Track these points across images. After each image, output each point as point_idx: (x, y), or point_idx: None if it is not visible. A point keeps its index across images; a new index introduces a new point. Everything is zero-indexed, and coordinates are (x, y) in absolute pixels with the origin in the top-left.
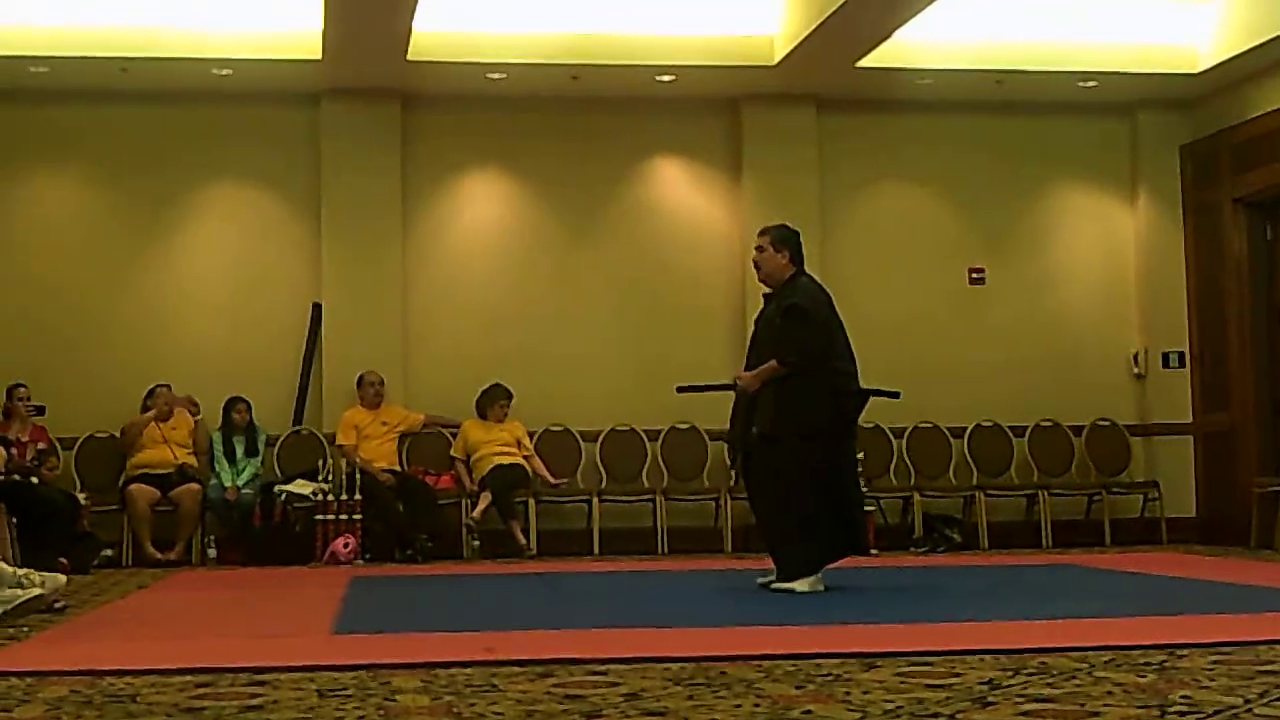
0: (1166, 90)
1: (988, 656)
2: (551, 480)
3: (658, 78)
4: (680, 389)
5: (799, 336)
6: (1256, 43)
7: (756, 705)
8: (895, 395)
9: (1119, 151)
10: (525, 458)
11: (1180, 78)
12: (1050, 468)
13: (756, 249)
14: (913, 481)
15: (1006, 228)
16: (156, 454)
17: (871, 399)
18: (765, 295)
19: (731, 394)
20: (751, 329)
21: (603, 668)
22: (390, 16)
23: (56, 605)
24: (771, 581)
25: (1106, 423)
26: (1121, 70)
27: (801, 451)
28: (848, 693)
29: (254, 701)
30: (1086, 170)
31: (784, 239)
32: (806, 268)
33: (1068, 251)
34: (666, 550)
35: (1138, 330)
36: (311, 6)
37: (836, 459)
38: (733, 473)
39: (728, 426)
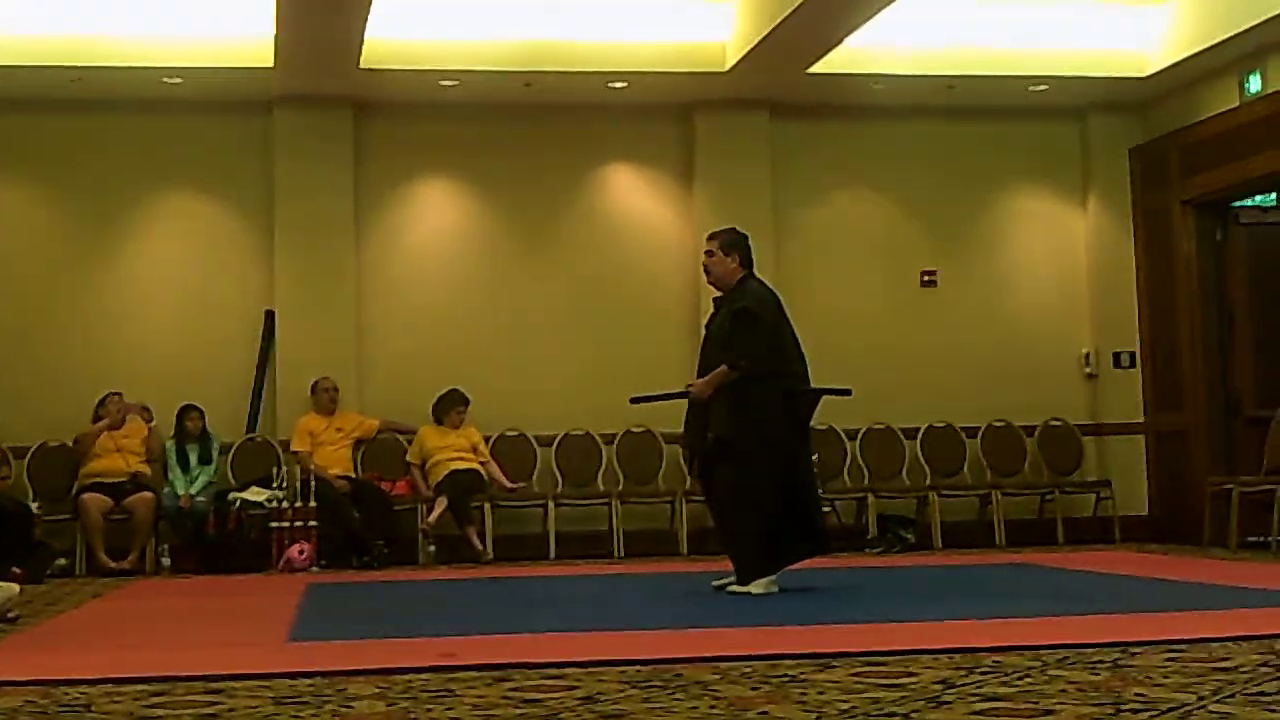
0: (1116, 94)
1: (942, 656)
2: (508, 485)
3: (611, 84)
4: (634, 400)
5: (749, 340)
6: (1205, 46)
7: (713, 707)
8: (846, 393)
9: (1069, 155)
10: (481, 463)
11: (1130, 81)
12: (1003, 467)
13: (706, 253)
14: (867, 482)
15: (958, 231)
16: (109, 463)
17: (824, 398)
18: (715, 299)
19: (685, 400)
20: (703, 333)
21: (559, 671)
22: (342, 24)
23: (10, 615)
24: (728, 584)
25: (1059, 423)
26: (1071, 74)
27: (757, 454)
28: (803, 693)
29: (209, 710)
30: (1037, 173)
31: (733, 243)
32: (760, 272)
33: (1019, 254)
34: (623, 553)
35: (1089, 331)
36: (263, 14)
37: (792, 460)
38: (688, 477)
39: (682, 432)
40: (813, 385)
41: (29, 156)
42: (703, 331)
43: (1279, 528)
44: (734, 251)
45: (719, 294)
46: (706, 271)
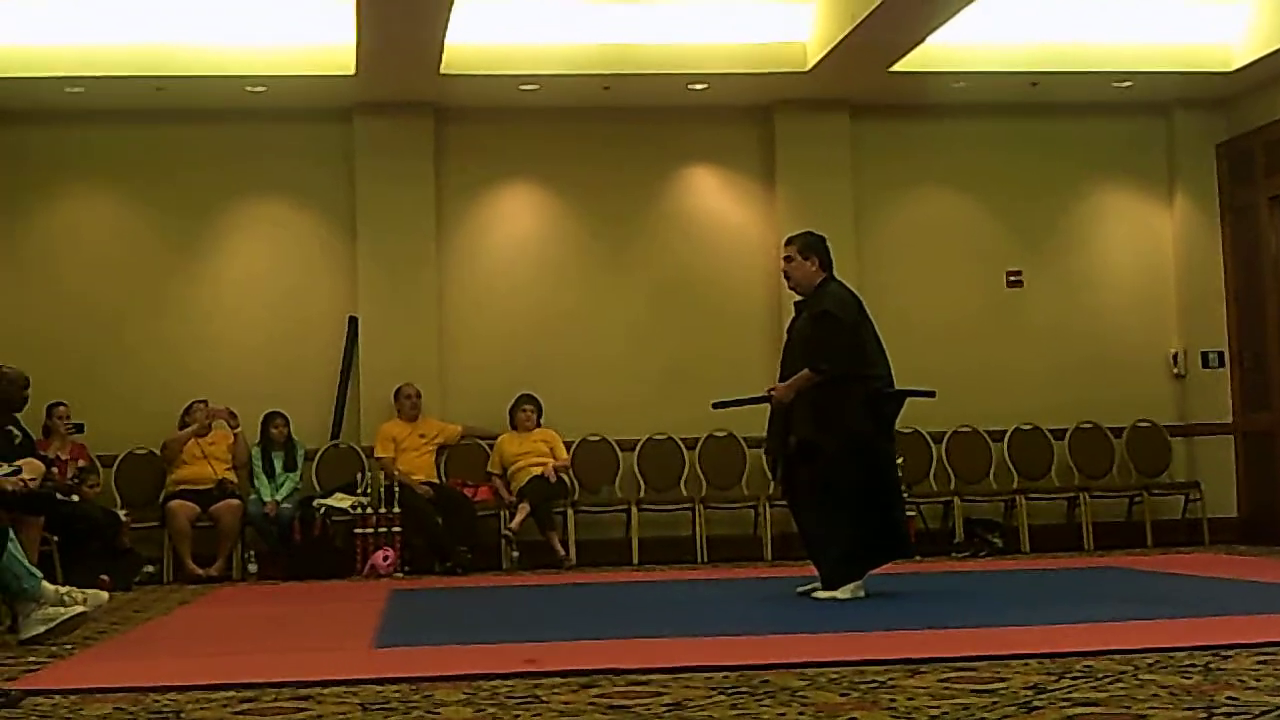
0: (1201, 89)
1: (1032, 661)
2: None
3: (690, 86)
4: (716, 405)
5: (830, 343)
6: None
7: (801, 713)
8: (930, 395)
9: (1154, 151)
10: (556, 469)
11: (1215, 76)
12: (1090, 470)
13: (785, 258)
14: (952, 486)
15: (1043, 229)
16: (196, 470)
17: (908, 400)
18: (796, 303)
19: (768, 405)
20: (785, 337)
21: (645, 677)
22: (422, 30)
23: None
24: (813, 589)
25: (1147, 424)
26: (1156, 70)
27: (840, 458)
28: (893, 700)
29: (298, 716)
30: (1122, 170)
31: (811, 246)
32: (841, 274)
33: (1105, 252)
34: (706, 559)
35: (1176, 330)
36: (344, 22)
37: (876, 464)
38: (772, 481)
39: (765, 436)
40: (897, 387)
41: (115, 167)
42: (784, 335)
43: None
44: (812, 254)
45: (800, 298)
46: (786, 276)
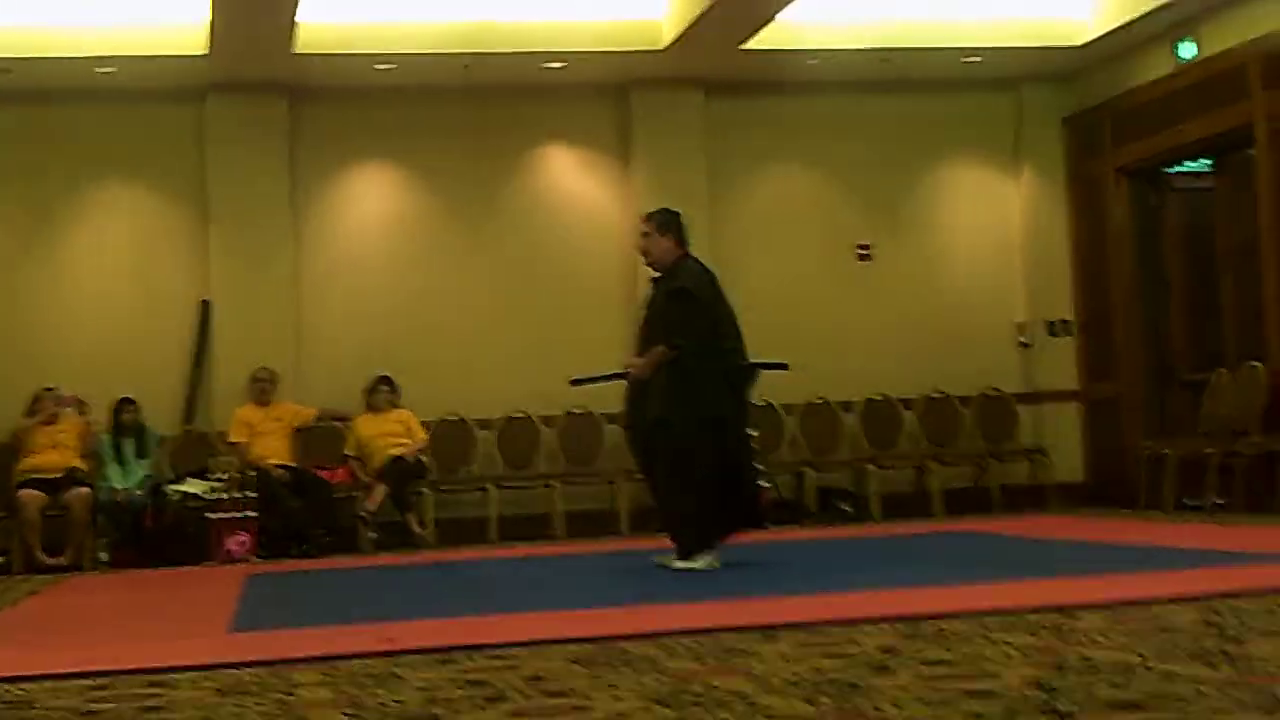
0: (1050, 64)
1: (884, 624)
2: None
3: (546, 65)
4: (574, 382)
5: (686, 320)
6: (1138, 14)
7: (659, 681)
8: (783, 367)
9: (1003, 125)
10: (415, 451)
11: (1063, 50)
12: (938, 438)
13: (642, 234)
14: (804, 456)
15: (893, 204)
16: (45, 458)
17: (762, 373)
18: (653, 279)
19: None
20: (642, 313)
21: (504, 652)
22: (276, 8)
23: None
24: (669, 560)
25: (994, 392)
26: (1005, 45)
27: (694, 432)
28: (748, 665)
29: (152, 702)
30: (971, 145)
31: (667, 223)
32: (696, 249)
33: (953, 225)
34: (564, 535)
35: (1023, 300)
36: (196, 1)
37: (728, 437)
38: (630, 456)
39: (624, 412)
40: (750, 361)
41: None
42: (640, 312)
43: (1213, 490)
44: (669, 231)
45: (656, 274)
46: (643, 252)
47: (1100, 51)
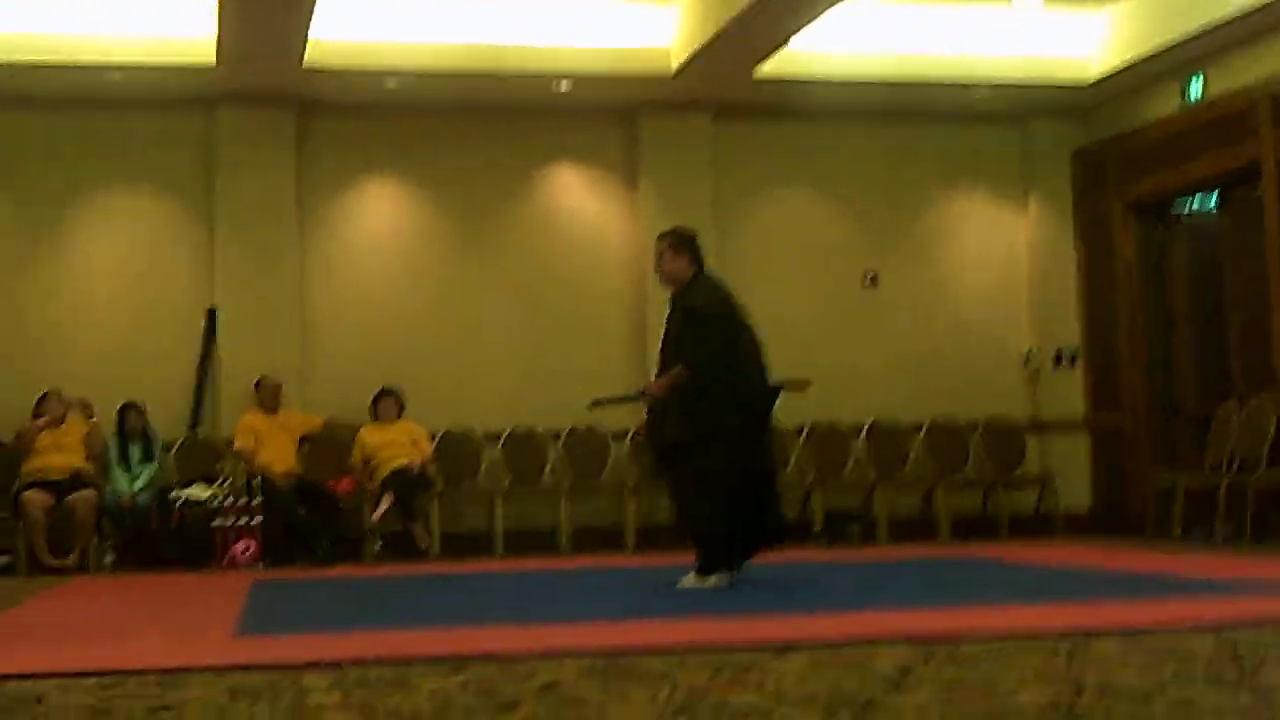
0: (1058, 99)
1: (899, 643)
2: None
3: (555, 87)
4: (593, 404)
5: (699, 339)
6: (1145, 53)
7: (671, 694)
8: (805, 385)
9: (1011, 158)
10: (421, 463)
11: (1072, 88)
12: (946, 464)
13: (657, 253)
14: (812, 478)
15: (900, 232)
16: (50, 460)
17: (784, 392)
18: (671, 298)
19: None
20: (662, 330)
21: (516, 662)
22: (286, 23)
23: None
24: (686, 576)
25: (1001, 419)
26: (1014, 82)
27: (713, 452)
28: (761, 681)
29: (163, 702)
30: (979, 176)
31: (681, 241)
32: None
33: (960, 255)
34: (570, 549)
35: (1029, 330)
36: (206, 12)
37: (747, 457)
38: (639, 473)
39: (644, 430)
40: (771, 379)
41: None
42: (649, 329)
43: (1222, 520)
44: (682, 250)
45: (674, 293)
46: (659, 272)
47: (1109, 89)
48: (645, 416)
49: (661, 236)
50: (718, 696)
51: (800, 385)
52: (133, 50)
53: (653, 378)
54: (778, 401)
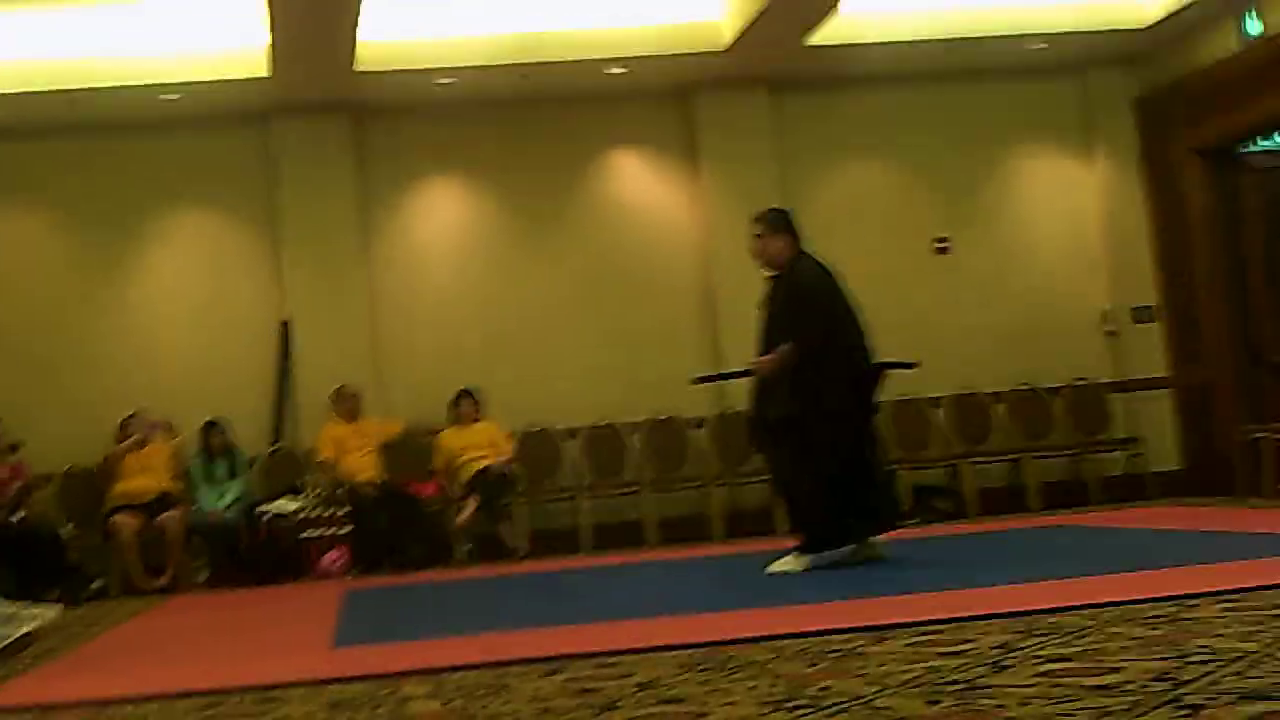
0: (1115, 46)
1: (997, 621)
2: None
3: (608, 70)
4: (696, 380)
5: (808, 318)
6: None
7: (773, 685)
8: (912, 365)
9: (1072, 110)
10: (504, 464)
11: (1128, 33)
12: (1031, 431)
13: (754, 235)
14: (896, 455)
15: (967, 195)
16: (137, 482)
17: (890, 372)
18: (771, 278)
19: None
20: (747, 312)
21: (612, 659)
22: (334, 27)
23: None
24: (782, 559)
25: (1084, 382)
26: (1070, 30)
27: (820, 432)
28: (863, 667)
29: (265, 719)
30: (1041, 131)
31: (778, 221)
32: None
33: (1029, 214)
34: (657, 542)
35: (1106, 287)
36: (255, 24)
37: (855, 437)
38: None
39: (750, 408)
40: (876, 360)
41: (33, 185)
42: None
43: None
44: (781, 229)
45: (773, 273)
46: (757, 254)
47: (1167, 32)
48: (750, 394)
49: (756, 219)
50: (820, 685)
51: (908, 366)
52: (185, 69)
53: (756, 358)
54: (883, 382)
